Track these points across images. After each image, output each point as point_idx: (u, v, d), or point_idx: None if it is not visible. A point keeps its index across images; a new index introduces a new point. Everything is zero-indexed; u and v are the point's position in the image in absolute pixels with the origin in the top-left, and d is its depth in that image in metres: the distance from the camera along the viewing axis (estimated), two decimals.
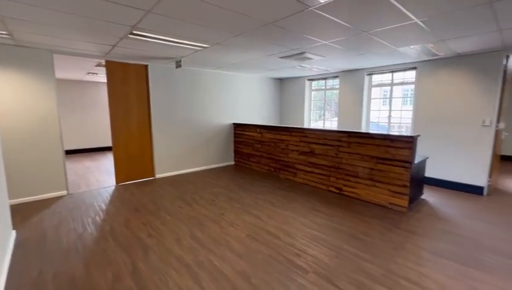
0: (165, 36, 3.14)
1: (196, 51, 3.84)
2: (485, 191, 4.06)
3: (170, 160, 5.33)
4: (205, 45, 3.54)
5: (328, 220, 3.16)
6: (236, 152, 6.37)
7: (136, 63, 4.73)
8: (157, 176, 5.17)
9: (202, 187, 4.51)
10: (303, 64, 4.99)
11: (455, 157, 4.31)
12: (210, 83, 5.79)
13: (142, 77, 4.84)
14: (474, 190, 4.12)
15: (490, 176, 4.03)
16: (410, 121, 4.95)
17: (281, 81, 7.43)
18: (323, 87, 6.65)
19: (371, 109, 5.63)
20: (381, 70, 5.19)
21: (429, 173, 4.56)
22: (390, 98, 5.27)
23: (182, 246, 2.60)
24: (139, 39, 3.21)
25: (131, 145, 4.87)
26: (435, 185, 4.54)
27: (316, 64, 5.01)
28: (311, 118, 7.07)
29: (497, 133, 4.00)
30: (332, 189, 4.25)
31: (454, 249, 2.52)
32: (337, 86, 6.09)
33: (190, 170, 5.65)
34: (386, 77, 5.31)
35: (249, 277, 2.12)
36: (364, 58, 4.35)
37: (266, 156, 5.52)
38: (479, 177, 4.09)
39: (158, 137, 5.11)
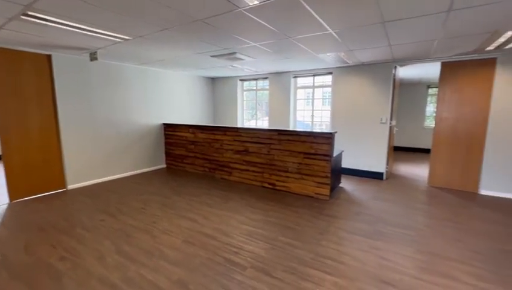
0: (73, 22, 2.67)
1: (115, 42, 3.42)
2: (384, 176, 5.00)
3: (87, 167, 4.60)
4: (126, 37, 3.18)
5: (263, 215, 3.30)
6: (168, 154, 5.99)
7: (35, 51, 3.87)
8: (70, 187, 4.40)
9: (129, 195, 4.07)
10: (234, 64, 5.06)
11: (363, 149, 5.15)
12: (135, 79, 5.25)
13: (43, 69, 4.00)
14: (377, 176, 5.02)
15: (387, 163, 4.98)
16: (328, 119, 5.63)
17: (213, 81, 7.35)
18: (255, 88, 6.91)
19: (297, 108, 6.16)
20: (304, 73, 5.74)
21: (345, 164, 5.32)
22: (313, 99, 5.88)
23: (106, 264, 2.28)
24: (36, 22, 2.64)
25: (31, 152, 3.98)
26: (349, 174, 5.31)
27: (247, 65, 5.15)
28: (244, 118, 7.25)
29: (391, 129, 4.98)
30: (266, 185, 4.47)
31: (364, 226, 3.01)
32: (267, 87, 6.42)
33: (114, 177, 5.01)
34: (309, 80, 5.91)
35: (186, 284, 2.02)
36: (290, 61, 4.72)
37: (200, 156, 5.38)
38: (380, 165, 4.99)
39: (69, 141, 4.34)
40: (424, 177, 5.13)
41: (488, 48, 3.63)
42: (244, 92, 7.13)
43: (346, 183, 4.71)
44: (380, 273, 2.17)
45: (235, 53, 3.97)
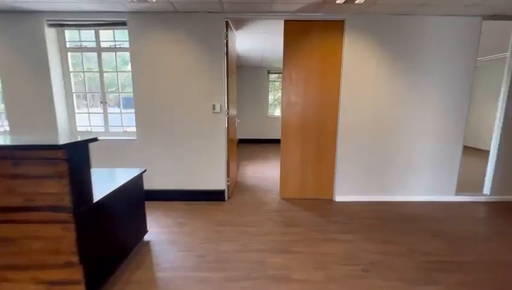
0: None
1: None
2: (226, 195, 3.30)
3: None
4: None
5: None
6: None
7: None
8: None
9: None
10: None
11: (188, 158, 3.15)
12: None
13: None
14: (216, 196, 3.23)
15: (228, 175, 3.30)
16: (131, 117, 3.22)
17: None
18: None
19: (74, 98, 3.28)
20: (73, 18, 2.92)
21: (158, 184, 3.18)
22: (101, 73, 3.21)
23: None
24: None
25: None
26: (169, 198, 3.22)
27: None
28: None
29: (230, 121, 3.29)
30: None
31: None
32: None
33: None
34: (88, 35, 3.16)
35: None
36: None
37: None
38: (218, 179, 3.22)
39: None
40: (275, 181, 3.94)
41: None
42: None
43: (159, 225, 2.55)
44: None
45: None
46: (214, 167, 3.18)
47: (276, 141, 7.57)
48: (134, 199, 2.12)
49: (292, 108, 3.15)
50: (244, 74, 7.45)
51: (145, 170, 2.25)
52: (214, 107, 3.05)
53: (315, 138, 3.20)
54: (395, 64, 3.01)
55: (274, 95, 8.05)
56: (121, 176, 2.00)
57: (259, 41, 4.46)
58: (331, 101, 3.13)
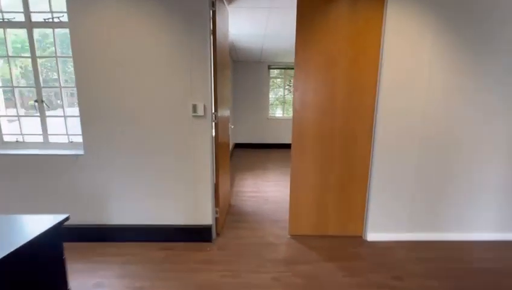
0: None
1: None
2: (213, 233, 2.36)
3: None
4: None
5: None
6: None
7: None
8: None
9: None
10: None
11: (157, 187, 2.21)
12: None
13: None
14: (200, 235, 2.26)
15: (217, 204, 2.36)
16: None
17: None
18: None
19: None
20: None
21: (110, 219, 2.23)
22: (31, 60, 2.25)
23: None
24: None
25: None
26: (137, 238, 2.27)
27: None
28: None
29: (218, 127, 2.35)
30: None
31: None
32: None
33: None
34: (14, 2, 2.19)
35: None
36: None
37: None
38: (203, 213, 2.27)
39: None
40: (280, 203, 3.01)
41: None
42: None
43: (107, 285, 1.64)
44: None
45: None
46: (196, 194, 2.24)
47: (278, 146, 6.63)
48: (43, 265, 1.17)
49: (307, 110, 2.21)
50: (241, 70, 6.51)
51: (67, 218, 1.30)
52: (194, 108, 2.10)
53: (340, 153, 2.25)
54: (463, 52, 2.07)
55: (276, 93, 7.12)
56: (23, 231, 1.06)
57: (259, 25, 3.52)
58: (364, 103, 2.17)
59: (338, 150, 2.24)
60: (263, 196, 3.41)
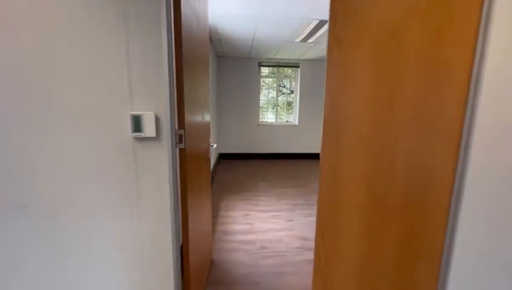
0: None
1: None
2: None
3: None
4: None
5: None
6: None
7: None
8: None
9: None
10: None
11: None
12: None
13: None
14: None
15: None
16: None
17: None
18: None
19: None
20: None
21: None
22: None
23: None
24: None
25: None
26: None
27: None
28: None
29: (185, 156, 1.36)
30: None
31: None
32: None
33: None
34: None
35: None
36: None
37: None
38: None
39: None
40: (283, 253, 2.06)
41: None
42: None
43: None
44: None
45: None
46: (148, 281, 1.24)
47: (271, 157, 5.71)
48: None
49: (345, 124, 1.26)
50: (226, 67, 5.54)
51: None
52: (136, 123, 1.10)
53: (401, 203, 1.28)
54: None
55: (267, 95, 6.21)
56: None
57: (253, 0, 2.57)
58: (446, 120, 1.18)
59: (397, 194, 1.27)
60: (259, 241, 2.44)
